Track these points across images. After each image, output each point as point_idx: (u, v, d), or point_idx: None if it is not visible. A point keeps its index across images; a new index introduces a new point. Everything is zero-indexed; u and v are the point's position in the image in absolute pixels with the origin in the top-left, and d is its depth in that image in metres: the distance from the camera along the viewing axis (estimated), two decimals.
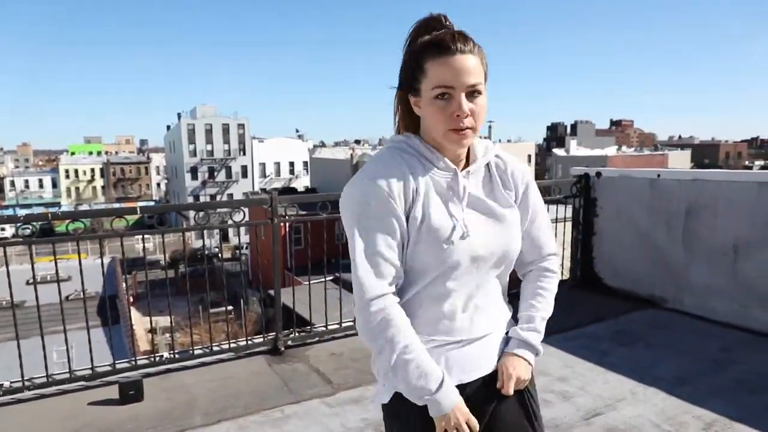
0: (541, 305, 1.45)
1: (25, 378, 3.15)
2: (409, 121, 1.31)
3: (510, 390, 1.29)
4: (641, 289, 4.71)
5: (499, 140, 67.54)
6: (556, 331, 3.97)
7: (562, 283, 5.35)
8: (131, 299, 25.73)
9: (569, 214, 5.25)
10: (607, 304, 4.63)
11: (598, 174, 5.08)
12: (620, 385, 3.15)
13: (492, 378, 1.31)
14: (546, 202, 5.27)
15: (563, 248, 5.30)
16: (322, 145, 60.84)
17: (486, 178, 1.33)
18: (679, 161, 57.79)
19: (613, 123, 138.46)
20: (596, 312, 4.42)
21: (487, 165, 1.33)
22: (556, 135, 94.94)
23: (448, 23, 1.22)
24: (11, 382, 3.15)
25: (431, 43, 1.18)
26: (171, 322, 4.35)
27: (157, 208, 3.52)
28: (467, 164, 1.30)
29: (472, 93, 1.18)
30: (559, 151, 63.89)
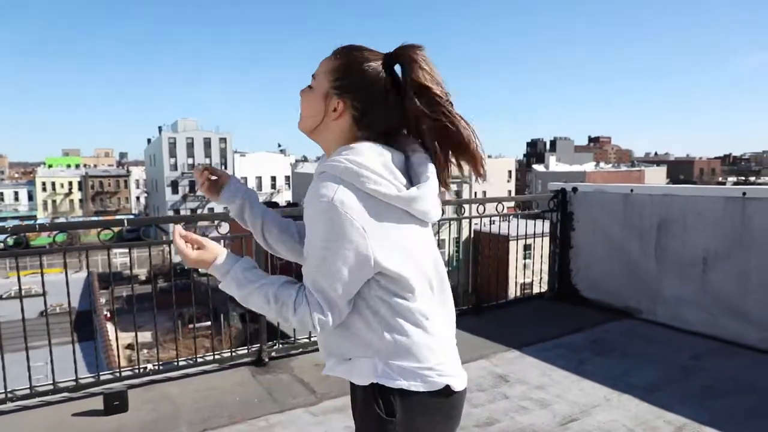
0: (264, 278, 1.30)
1: (7, 390, 3.15)
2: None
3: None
4: (617, 300, 4.86)
5: None
6: (535, 341, 4.10)
7: (539, 295, 5.49)
8: (108, 315, 25.29)
9: (547, 228, 5.40)
10: (584, 316, 4.76)
11: (575, 189, 5.24)
12: (595, 392, 3.26)
13: None
14: (525, 216, 5.44)
15: (541, 262, 5.45)
16: (305, 159, 60.86)
17: None
18: (655, 177, 59.04)
19: (591, 139, 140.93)
20: (573, 323, 4.55)
21: None
22: (535, 151, 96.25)
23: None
24: None
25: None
26: (156, 336, 4.36)
27: (144, 220, 3.54)
28: None
29: (309, 86, 1.34)
30: (538, 167, 64.79)
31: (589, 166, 64.42)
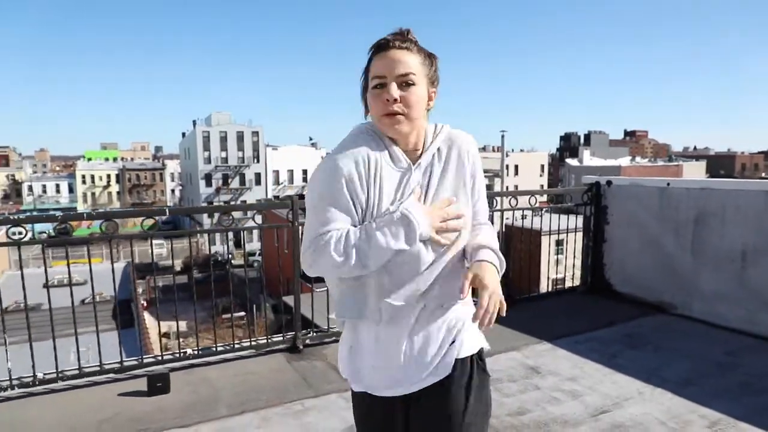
0: (484, 236, 1.46)
1: (58, 370, 3.33)
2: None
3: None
4: (651, 295, 4.80)
5: (512, 150, 67.49)
6: (567, 335, 4.09)
7: (572, 289, 5.46)
8: (144, 304, 26.07)
9: (580, 224, 5.36)
10: (617, 310, 4.72)
11: (609, 182, 5.18)
12: (628, 385, 3.25)
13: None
14: (557, 211, 5.41)
15: (574, 257, 5.41)
16: None
17: (437, 163, 1.41)
18: (694, 172, 57.39)
19: (627, 133, 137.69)
20: (606, 317, 4.52)
21: (438, 149, 1.42)
22: (569, 145, 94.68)
23: (409, 36, 1.35)
24: (45, 374, 3.32)
25: (375, 44, 1.34)
26: (196, 324, 4.51)
27: (185, 210, 3.69)
28: (423, 151, 1.40)
29: (405, 84, 1.30)
30: (572, 161, 63.68)
31: (624, 161, 63.03)
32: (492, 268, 1.34)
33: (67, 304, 3.32)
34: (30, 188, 68.34)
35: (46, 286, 3.34)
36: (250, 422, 2.87)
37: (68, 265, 3.53)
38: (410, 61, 1.31)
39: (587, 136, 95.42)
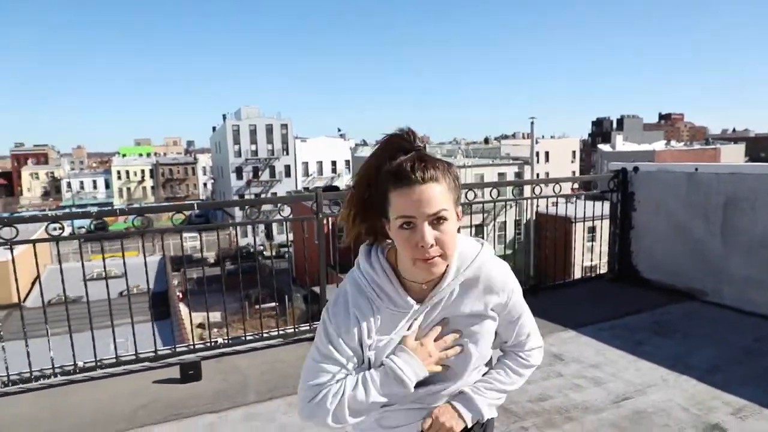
0: (500, 376, 1.39)
1: (96, 359, 3.50)
2: (365, 222, 1.28)
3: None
4: (680, 282, 4.73)
5: (542, 136, 66.44)
6: (591, 322, 4.08)
7: (599, 276, 5.42)
8: (180, 296, 26.74)
9: (606, 210, 5.31)
10: (645, 297, 4.68)
11: (636, 168, 5.11)
12: (652, 372, 3.24)
13: None
14: (588, 197, 5.35)
15: (600, 243, 5.36)
16: (364, 143, 61.42)
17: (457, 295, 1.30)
18: (733, 155, 55.51)
19: (662, 117, 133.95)
20: (633, 304, 4.48)
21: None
22: (601, 130, 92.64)
23: (413, 140, 1.21)
24: (85, 362, 3.50)
25: (392, 173, 1.16)
26: (226, 315, 4.66)
27: (210, 204, 3.86)
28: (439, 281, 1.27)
29: (437, 220, 1.15)
30: (604, 147, 62.39)
31: (658, 145, 61.40)
32: (453, 413, 1.30)
33: (105, 296, 3.49)
34: (68, 185, 70.62)
35: (84, 279, 3.50)
36: (278, 408, 2.97)
37: (104, 259, 3.69)
38: (439, 196, 1.15)
39: (620, 121, 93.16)
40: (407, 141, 1.20)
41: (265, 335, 3.95)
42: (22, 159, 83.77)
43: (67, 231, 3.42)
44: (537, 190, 4.87)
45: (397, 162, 1.17)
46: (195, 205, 3.60)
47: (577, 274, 6.13)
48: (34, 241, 3.42)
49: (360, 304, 1.25)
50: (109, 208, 3.46)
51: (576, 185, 5.41)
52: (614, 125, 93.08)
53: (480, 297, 1.28)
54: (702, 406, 2.80)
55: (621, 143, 60.60)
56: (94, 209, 3.59)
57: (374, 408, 1.24)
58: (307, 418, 1.24)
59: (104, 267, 3.62)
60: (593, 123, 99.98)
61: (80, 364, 3.48)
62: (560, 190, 4.89)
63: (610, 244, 5.33)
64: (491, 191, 4.65)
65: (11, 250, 3.26)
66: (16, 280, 3.37)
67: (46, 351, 3.38)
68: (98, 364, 3.50)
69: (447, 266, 1.22)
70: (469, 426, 1.32)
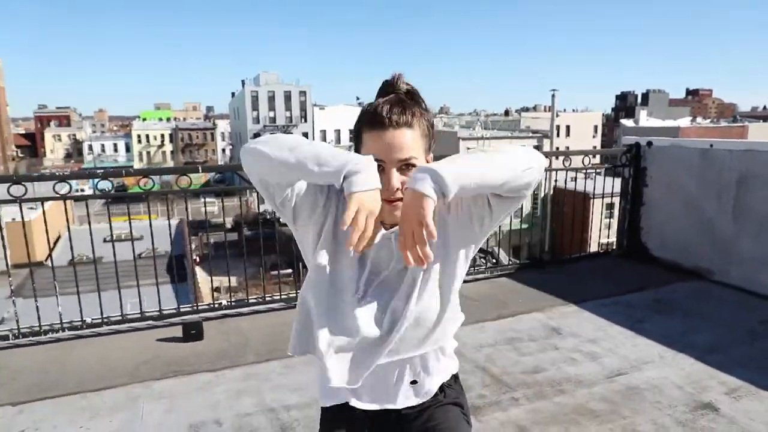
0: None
1: (103, 316, 3.59)
2: None
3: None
4: (687, 260, 4.67)
5: (564, 110, 65.20)
6: (594, 297, 4.07)
7: (607, 253, 5.37)
8: (197, 259, 27.19)
9: (617, 187, 5.23)
10: (651, 274, 4.63)
11: (649, 143, 5.00)
12: (649, 349, 3.23)
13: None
14: (597, 171, 5.26)
15: (610, 219, 5.30)
16: None
17: None
18: (762, 133, 53.98)
19: (689, 92, 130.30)
20: (638, 281, 4.44)
21: None
22: (625, 105, 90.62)
23: (400, 84, 1.20)
24: (92, 319, 3.59)
25: (368, 115, 1.16)
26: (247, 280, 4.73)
27: (224, 167, 3.89)
28: None
29: (406, 166, 1.14)
30: (627, 122, 61.06)
31: (684, 122, 59.91)
32: (409, 194, 1.03)
33: (122, 257, 3.56)
34: (90, 147, 71.44)
35: (91, 242, 3.57)
36: (274, 369, 3.03)
37: (110, 222, 3.75)
38: (410, 143, 1.15)
39: (645, 96, 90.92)
40: (391, 84, 1.20)
41: (267, 299, 4.01)
42: (45, 121, 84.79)
43: (90, 193, 3.48)
44: (566, 162, 4.78)
45: (374, 104, 1.16)
46: (200, 168, 3.62)
47: (594, 249, 6.08)
48: (42, 199, 3.49)
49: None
50: (113, 168, 3.49)
51: (597, 160, 5.28)
52: (639, 100, 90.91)
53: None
54: (696, 385, 2.79)
55: (645, 119, 59.23)
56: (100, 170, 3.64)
57: (300, 152, 1.06)
58: (242, 153, 1.13)
59: (110, 229, 3.68)
60: (617, 97, 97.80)
61: (88, 320, 3.58)
62: (570, 164, 4.82)
63: (620, 219, 5.27)
64: None
65: (20, 207, 3.33)
66: (26, 241, 3.45)
67: (55, 307, 3.47)
68: (104, 320, 3.59)
69: None
70: (434, 196, 1.00)
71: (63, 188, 3.46)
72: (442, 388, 1.31)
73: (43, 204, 3.52)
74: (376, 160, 1.09)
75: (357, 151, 1.20)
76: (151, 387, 2.87)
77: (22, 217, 3.39)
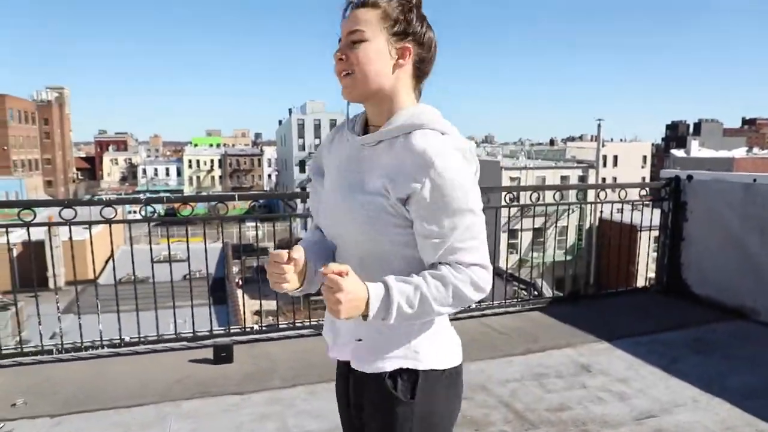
0: (418, 278, 1.12)
1: (140, 335, 3.74)
2: None
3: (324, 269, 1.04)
4: (730, 298, 4.49)
5: (611, 139, 63.93)
6: (628, 335, 3.97)
7: (644, 288, 5.23)
8: (239, 282, 27.73)
9: (656, 219, 5.11)
10: (690, 312, 4.48)
11: (689, 177, 4.88)
12: (683, 391, 3.11)
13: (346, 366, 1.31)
14: (645, 203, 5.14)
15: (647, 254, 5.17)
16: None
17: (386, 153, 1.18)
18: None
19: (745, 122, 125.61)
20: (676, 319, 4.30)
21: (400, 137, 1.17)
22: (676, 135, 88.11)
23: None
24: (130, 338, 3.75)
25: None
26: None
27: (254, 195, 4.07)
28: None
29: (356, 42, 1.15)
30: (678, 152, 59.28)
31: (739, 152, 57.67)
32: (356, 280, 1.05)
33: (168, 279, 3.72)
34: (144, 171, 74.58)
35: (133, 261, 3.75)
36: (299, 395, 3.08)
37: (150, 245, 3.93)
38: (362, 17, 1.16)
39: (697, 125, 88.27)
40: None
41: (297, 324, 4.09)
42: (105, 145, 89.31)
43: (141, 215, 3.68)
44: (601, 195, 4.72)
45: None
46: (236, 196, 3.77)
47: (641, 284, 5.92)
48: (90, 223, 3.70)
49: (338, 129, 1.35)
50: (157, 195, 3.66)
51: (646, 193, 5.11)
52: (690, 129, 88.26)
53: (390, 165, 1.14)
54: None
55: (696, 149, 57.36)
56: (143, 196, 3.84)
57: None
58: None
59: (169, 250, 3.85)
60: (667, 127, 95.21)
61: (126, 338, 3.74)
62: (626, 196, 4.76)
63: (659, 255, 5.13)
64: (554, 194, 4.57)
65: (69, 229, 3.54)
66: (73, 262, 3.65)
67: (96, 325, 3.65)
68: (141, 339, 3.74)
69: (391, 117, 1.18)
70: (370, 314, 1.06)
71: (108, 212, 3.66)
72: (394, 376, 1.20)
73: (90, 227, 3.73)
74: (339, 40, 1.19)
75: None
76: (180, 406, 2.96)
77: (71, 238, 3.60)
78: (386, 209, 1.14)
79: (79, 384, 3.24)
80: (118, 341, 3.72)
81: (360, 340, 1.24)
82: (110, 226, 3.71)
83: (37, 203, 3.61)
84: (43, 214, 3.96)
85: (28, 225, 3.44)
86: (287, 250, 1.13)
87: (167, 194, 3.68)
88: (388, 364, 1.20)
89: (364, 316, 1.08)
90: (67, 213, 3.48)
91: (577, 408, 2.92)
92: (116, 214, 3.66)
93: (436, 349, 1.23)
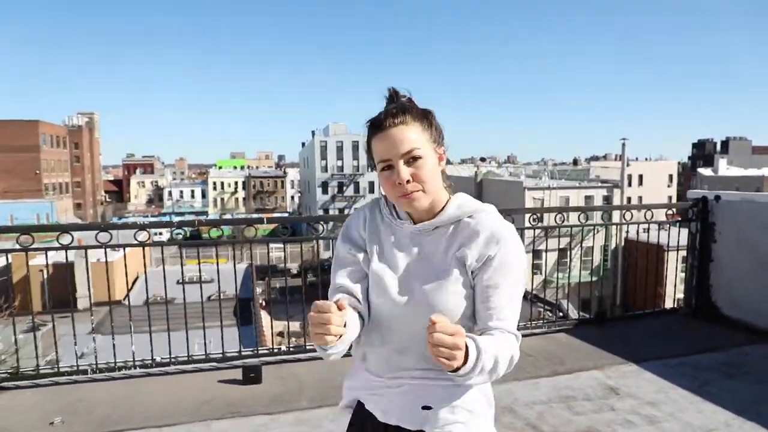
0: (486, 338, 1.22)
1: (171, 356, 3.83)
2: None
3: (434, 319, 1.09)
4: (761, 321, 4.41)
5: (636, 158, 63.21)
6: (657, 357, 3.92)
7: (673, 310, 5.15)
8: (263, 303, 27.91)
9: (683, 239, 5.06)
10: (721, 335, 4.40)
11: (717, 197, 4.84)
12: (715, 416, 3.06)
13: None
14: (671, 223, 5.10)
15: (675, 275, 5.10)
16: (448, 162, 61.34)
17: (449, 235, 1.34)
18: None
19: None
20: (706, 342, 4.23)
21: (458, 222, 1.34)
22: (703, 153, 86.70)
23: (394, 97, 1.33)
24: (161, 358, 3.84)
25: (370, 124, 1.32)
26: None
27: (277, 219, 4.15)
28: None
29: (411, 159, 1.27)
30: (705, 171, 58.25)
31: None
32: (468, 341, 1.12)
33: (195, 299, 3.83)
34: (170, 193, 76.06)
35: (166, 284, 3.86)
36: (326, 415, 3.11)
37: (199, 264, 4.03)
38: (410, 136, 1.27)
39: (725, 143, 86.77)
40: (390, 99, 1.34)
41: None
42: (132, 168, 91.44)
43: (166, 237, 3.81)
44: (627, 216, 4.72)
45: (374, 116, 1.32)
46: (264, 219, 3.87)
47: (668, 306, 5.85)
48: (124, 246, 3.83)
49: (371, 211, 1.43)
50: (189, 219, 3.78)
51: (672, 212, 5.08)
52: (718, 148, 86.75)
53: (466, 242, 1.30)
54: None
55: (725, 167, 56.32)
56: (191, 217, 3.96)
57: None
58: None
59: (182, 274, 3.96)
60: (694, 145, 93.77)
61: (157, 359, 3.83)
62: (652, 217, 4.74)
63: (687, 276, 5.06)
64: (579, 216, 4.58)
65: (105, 252, 3.67)
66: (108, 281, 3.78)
67: (128, 346, 3.75)
68: (172, 360, 3.83)
69: (448, 201, 1.34)
70: (470, 364, 1.12)
71: (141, 235, 3.79)
72: None
73: (124, 249, 3.86)
74: (384, 160, 1.29)
75: (370, 161, 1.35)
76: (209, 426, 3.02)
77: (106, 261, 3.73)
78: (464, 283, 1.30)
79: (113, 404, 3.33)
80: (150, 362, 3.82)
81: (429, 407, 1.31)
82: (143, 249, 3.84)
83: (75, 227, 3.77)
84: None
85: (66, 248, 3.59)
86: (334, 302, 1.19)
87: (200, 217, 3.79)
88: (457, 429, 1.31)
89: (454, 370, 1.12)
90: (102, 236, 3.61)
91: (605, 431, 2.89)
92: (149, 237, 3.79)
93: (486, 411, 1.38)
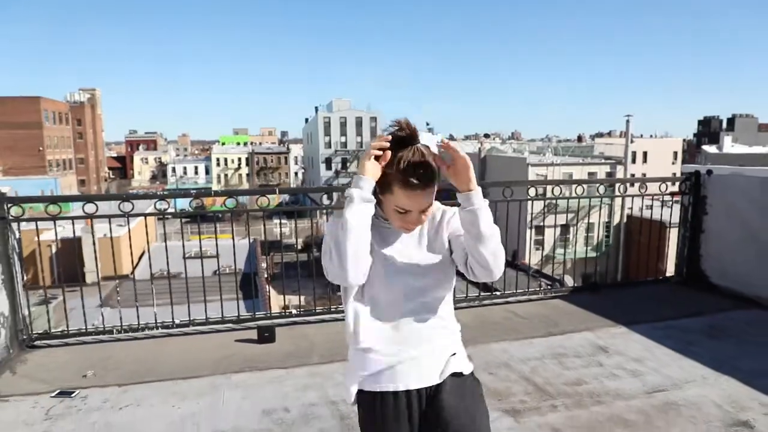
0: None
1: (190, 318, 4.10)
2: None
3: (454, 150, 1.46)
4: (748, 289, 4.65)
5: (641, 135, 62.92)
6: (645, 321, 4.18)
7: (665, 279, 5.39)
8: (269, 278, 28.33)
9: (675, 213, 5.27)
10: (709, 302, 4.65)
11: (709, 171, 5.04)
12: (694, 370, 3.32)
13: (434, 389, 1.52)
14: (654, 198, 5.32)
15: (668, 247, 5.33)
16: (452, 138, 61.34)
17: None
18: None
19: None
20: (694, 307, 4.48)
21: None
22: (709, 130, 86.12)
23: (414, 136, 1.44)
24: (180, 320, 4.11)
25: (400, 177, 1.41)
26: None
27: (297, 190, 4.39)
28: None
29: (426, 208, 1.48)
30: (709, 148, 57.92)
31: None
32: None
33: (196, 273, 4.07)
34: (173, 170, 76.23)
35: (165, 257, 4.11)
36: (337, 369, 3.38)
37: (200, 239, 4.28)
38: (432, 195, 1.46)
39: (731, 120, 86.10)
40: (408, 136, 1.44)
41: (332, 309, 4.40)
42: (135, 145, 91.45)
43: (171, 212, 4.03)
44: (621, 189, 4.91)
45: (403, 166, 1.41)
46: (277, 190, 4.09)
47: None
48: (145, 215, 4.07)
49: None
50: (204, 190, 4.00)
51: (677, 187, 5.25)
52: (724, 125, 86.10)
53: (435, 226, 1.57)
54: (735, 405, 2.88)
55: (729, 145, 55.88)
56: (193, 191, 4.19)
57: (352, 232, 1.38)
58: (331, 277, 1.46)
59: (200, 245, 4.20)
60: (699, 122, 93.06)
61: (177, 321, 4.10)
62: (646, 190, 4.93)
63: (679, 247, 5.29)
64: (575, 188, 4.77)
65: (128, 222, 3.91)
66: (110, 255, 4.02)
67: (151, 309, 4.02)
68: (191, 321, 4.10)
69: None
70: (477, 188, 1.43)
71: (161, 205, 4.01)
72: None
73: (128, 222, 4.09)
74: (402, 208, 1.45)
75: (381, 191, 1.47)
76: (230, 378, 3.30)
77: (129, 231, 3.97)
78: (444, 250, 1.56)
79: (139, 360, 3.61)
80: (170, 323, 4.09)
81: (454, 354, 1.59)
82: (160, 218, 4.07)
83: (100, 197, 4.00)
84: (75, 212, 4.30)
85: (91, 217, 3.82)
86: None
87: (215, 190, 4.01)
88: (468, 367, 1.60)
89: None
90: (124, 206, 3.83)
91: (593, 383, 3.16)
92: (168, 206, 4.01)
93: None
